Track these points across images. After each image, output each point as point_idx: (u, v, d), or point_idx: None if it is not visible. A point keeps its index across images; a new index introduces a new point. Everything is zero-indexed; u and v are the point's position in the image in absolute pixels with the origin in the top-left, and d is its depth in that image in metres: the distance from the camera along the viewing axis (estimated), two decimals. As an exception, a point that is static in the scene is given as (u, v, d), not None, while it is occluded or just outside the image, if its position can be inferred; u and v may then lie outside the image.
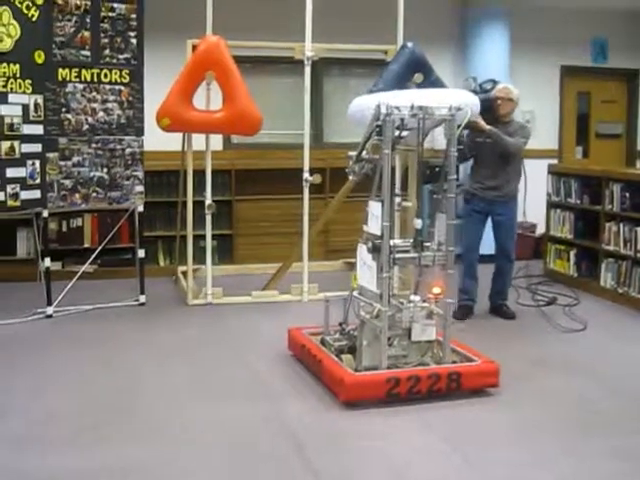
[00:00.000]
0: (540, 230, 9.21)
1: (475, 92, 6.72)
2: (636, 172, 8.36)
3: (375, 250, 4.83)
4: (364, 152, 5.12)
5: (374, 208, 4.91)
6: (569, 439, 4.25)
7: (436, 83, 6.96)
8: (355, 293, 5.16)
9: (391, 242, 4.87)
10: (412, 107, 4.88)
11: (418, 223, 4.98)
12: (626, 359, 5.72)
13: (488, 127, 6.48)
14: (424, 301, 4.98)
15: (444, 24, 9.46)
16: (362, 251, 5.01)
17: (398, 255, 4.91)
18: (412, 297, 4.99)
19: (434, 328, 4.96)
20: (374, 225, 4.90)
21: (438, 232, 5.02)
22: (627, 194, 7.32)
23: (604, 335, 6.36)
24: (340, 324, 5.38)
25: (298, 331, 5.65)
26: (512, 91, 6.67)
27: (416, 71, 6.89)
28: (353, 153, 5.24)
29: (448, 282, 5.01)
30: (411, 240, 5.01)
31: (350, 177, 5.37)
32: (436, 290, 4.97)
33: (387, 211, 4.81)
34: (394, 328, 4.92)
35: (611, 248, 7.47)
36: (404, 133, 4.95)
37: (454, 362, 5.03)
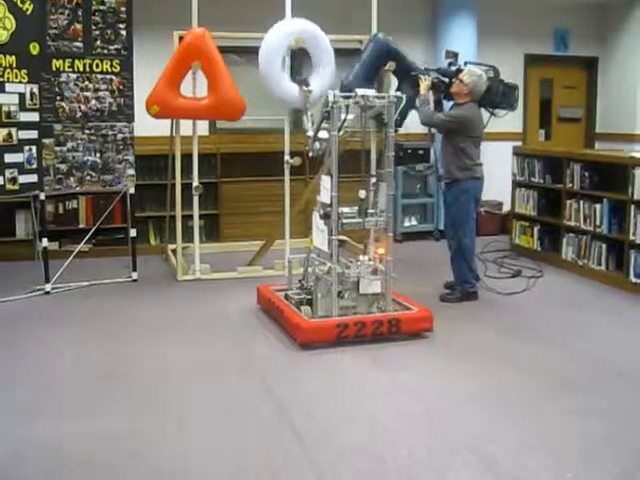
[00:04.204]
0: (506, 208, 9.30)
1: (450, 64, 6.63)
2: (595, 153, 8.42)
3: (326, 217, 5.35)
4: (320, 132, 5.58)
5: (325, 181, 5.38)
6: (532, 400, 4.31)
7: (410, 67, 6.91)
8: (313, 254, 5.62)
9: (339, 210, 5.32)
10: (355, 96, 5.34)
11: (362, 193, 5.41)
12: (585, 326, 5.80)
13: (424, 92, 6.35)
14: (370, 260, 5.47)
15: (416, 15, 9.51)
16: (316, 218, 5.52)
17: (345, 220, 5.38)
18: (361, 257, 5.49)
19: (379, 282, 5.42)
20: (325, 195, 5.37)
21: (380, 200, 5.49)
22: (586, 173, 7.40)
23: (565, 304, 6.44)
24: (300, 281, 5.90)
25: (265, 287, 6.20)
26: (469, 76, 6.24)
27: (388, 60, 6.88)
28: (311, 133, 5.71)
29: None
30: (356, 208, 5.45)
31: (310, 154, 5.78)
32: (380, 250, 5.49)
33: (335, 184, 5.24)
34: (345, 283, 5.38)
35: (572, 224, 7.55)
36: (350, 116, 5.35)
37: (396, 311, 5.47)
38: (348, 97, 5.33)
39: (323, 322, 5.25)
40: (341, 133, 5.41)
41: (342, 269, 5.36)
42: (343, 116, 5.29)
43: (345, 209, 5.40)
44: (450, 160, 6.35)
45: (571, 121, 10.71)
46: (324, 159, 5.55)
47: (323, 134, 5.52)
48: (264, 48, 6.77)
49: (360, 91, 5.39)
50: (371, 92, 5.47)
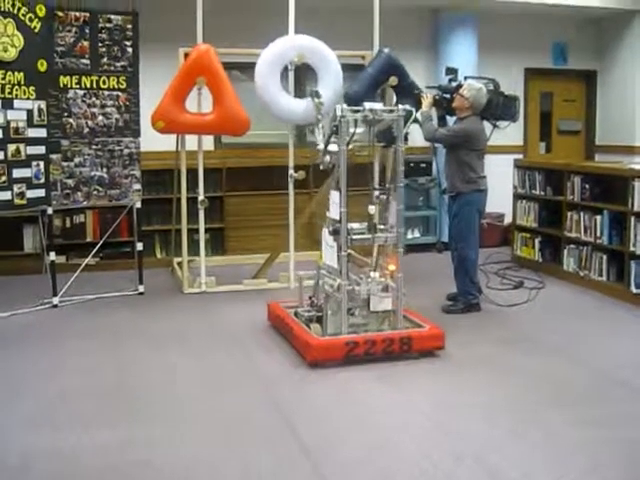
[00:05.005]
0: (507, 220, 9.31)
1: (451, 80, 6.67)
2: (595, 165, 8.44)
3: (335, 232, 5.18)
4: (330, 146, 5.43)
5: (334, 197, 5.24)
6: (535, 410, 4.31)
7: (410, 86, 6.98)
8: (323, 271, 5.47)
9: (349, 225, 5.18)
10: (363, 110, 5.23)
11: (372, 209, 5.28)
12: (586, 337, 5.79)
13: (426, 109, 6.43)
14: (381, 277, 5.31)
15: (417, 31, 9.52)
16: (325, 234, 5.36)
17: (355, 237, 5.23)
18: (371, 274, 5.30)
19: (390, 299, 5.26)
20: (334, 211, 5.24)
21: (390, 216, 5.37)
22: (587, 185, 7.41)
23: (566, 315, 6.44)
24: (310, 297, 5.72)
25: (276, 304, 6.07)
26: (468, 90, 6.27)
27: (391, 74, 6.93)
28: (321, 146, 5.55)
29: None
30: (366, 223, 5.31)
31: (320, 167, 5.63)
32: (391, 267, 5.32)
33: (344, 199, 5.12)
34: (355, 300, 5.23)
35: (572, 235, 7.55)
36: (358, 130, 5.28)
37: (407, 328, 5.31)
38: (356, 111, 5.24)
39: (333, 340, 5.09)
40: (350, 147, 5.31)
41: (352, 286, 5.21)
42: (352, 130, 5.21)
43: (355, 225, 5.26)
44: (454, 173, 6.35)
45: (571, 134, 10.72)
46: (334, 172, 5.45)
47: (333, 147, 5.39)
48: (260, 65, 6.81)
49: (368, 105, 5.30)
50: (379, 106, 5.39)
